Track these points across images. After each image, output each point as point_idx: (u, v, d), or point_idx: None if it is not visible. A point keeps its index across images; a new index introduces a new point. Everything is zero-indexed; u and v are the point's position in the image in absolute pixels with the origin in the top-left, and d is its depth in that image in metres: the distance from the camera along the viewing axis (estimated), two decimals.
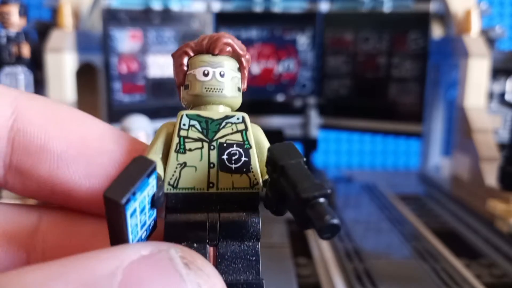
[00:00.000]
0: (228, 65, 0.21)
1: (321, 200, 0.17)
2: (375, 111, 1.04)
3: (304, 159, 0.19)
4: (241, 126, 0.20)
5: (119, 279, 0.14)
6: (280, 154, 0.19)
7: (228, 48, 0.21)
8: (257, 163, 0.20)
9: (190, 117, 0.20)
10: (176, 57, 0.21)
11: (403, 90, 1.00)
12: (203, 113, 0.20)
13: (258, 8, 1.08)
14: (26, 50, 0.79)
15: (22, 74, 0.79)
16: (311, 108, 1.03)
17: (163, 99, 1.02)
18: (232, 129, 0.20)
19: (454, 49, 0.89)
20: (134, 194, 0.16)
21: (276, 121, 1.06)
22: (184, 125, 0.20)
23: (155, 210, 0.19)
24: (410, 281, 0.56)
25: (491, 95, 0.87)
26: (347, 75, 1.07)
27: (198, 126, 0.20)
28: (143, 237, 0.18)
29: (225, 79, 0.21)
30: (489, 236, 0.71)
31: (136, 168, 0.17)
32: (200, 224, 0.19)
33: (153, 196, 0.18)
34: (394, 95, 1.01)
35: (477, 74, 0.83)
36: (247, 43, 1.06)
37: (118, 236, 0.17)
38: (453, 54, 0.89)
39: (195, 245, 0.19)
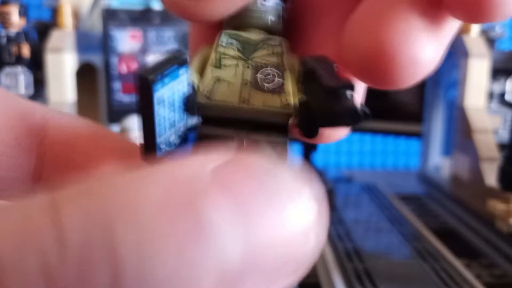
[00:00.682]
0: None
1: (348, 92, 0.17)
2: (375, 111, 1.04)
3: (336, 65, 0.19)
4: (278, 49, 0.20)
5: (209, 179, 0.12)
6: (312, 61, 0.19)
7: None
8: (290, 86, 0.20)
9: (229, 35, 0.20)
10: None
11: (403, 90, 1.00)
12: (242, 33, 0.21)
13: None
14: (26, 50, 0.79)
15: (22, 74, 0.79)
16: None
17: None
18: (270, 51, 0.20)
19: (454, 49, 0.89)
20: (162, 77, 0.16)
21: None
22: (222, 42, 0.20)
23: (186, 117, 0.19)
24: (410, 281, 0.56)
25: (491, 95, 0.87)
26: None
27: (236, 45, 0.20)
28: (172, 140, 0.18)
29: (267, 3, 0.21)
30: (489, 236, 0.71)
31: (167, 58, 0.17)
32: (228, 140, 0.19)
33: (185, 97, 0.18)
34: (394, 95, 1.01)
35: (477, 74, 0.83)
36: None
37: (146, 122, 0.17)
38: (453, 54, 0.89)
39: None
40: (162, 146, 0.18)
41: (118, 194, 0.12)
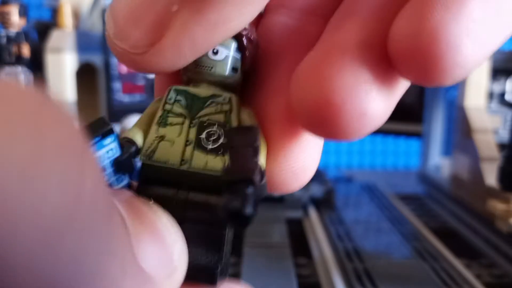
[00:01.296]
0: (224, 43, 0.20)
1: (249, 190, 0.16)
2: None
3: (256, 142, 0.18)
4: (226, 107, 0.20)
5: None
6: (233, 134, 0.19)
7: None
8: None
9: (177, 91, 0.20)
10: None
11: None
12: (191, 89, 0.20)
13: None
14: (26, 50, 0.79)
15: (22, 74, 0.79)
16: None
17: None
18: (216, 109, 0.20)
19: None
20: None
21: None
22: (170, 99, 0.20)
23: (125, 176, 0.19)
24: (410, 281, 0.56)
25: (491, 95, 0.87)
26: None
27: (183, 102, 0.20)
28: None
29: (217, 57, 0.20)
30: (489, 236, 0.71)
31: (92, 127, 0.17)
32: (168, 200, 0.19)
33: (116, 160, 0.18)
34: None
35: (477, 74, 0.83)
36: None
37: None
38: None
39: None
40: None
41: None
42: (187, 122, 0.19)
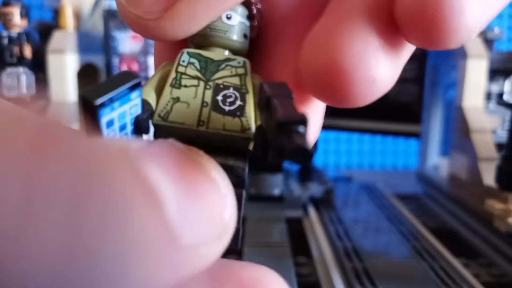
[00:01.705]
0: (236, 10, 0.20)
1: (300, 128, 0.15)
2: (374, 111, 1.04)
3: (293, 95, 0.18)
4: (241, 70, 0.20)
5: (131, 154, 0.13)
6: (268, 88, 0.18)
7: None
8: (252, 110, 0.19)
9: (190, 54, 0.20)
10: None
11: (401, 90, 1.01)
12: (204, 52, 0.20)
13: None
14: (28, 51, 0.80)
15: (23, 75, 0.79)
16: None
17: None
18: (232, 72, 0.20)
19: (453, 50, 0.89)
20: (111, 101, 0.15)
21: None
22: (183, 61, 0.20)
23: (140, 136, 0.18)
24: (409, 280, 0.56)
25: (489, 96, 0.88)
26: None
27: (197, 64, 0.20)
28: None
29: (231, 21, 0.20)
30: (487, 235, 0.71)
31: (119, 79, 0.16)
32: None
33: (136, 117, 0.17)
34: (392, 96, 1.02)
35: (475, 74, 0.84)
36: None
37: None
38: (451, 55, 0.90)
39: None
40: None
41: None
42: (202, 84, 0.19)
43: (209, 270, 0.14)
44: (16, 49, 0.79)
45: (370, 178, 1.07)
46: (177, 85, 0.19)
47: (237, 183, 0.19)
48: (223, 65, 0.20)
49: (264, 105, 0.18)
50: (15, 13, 0.79)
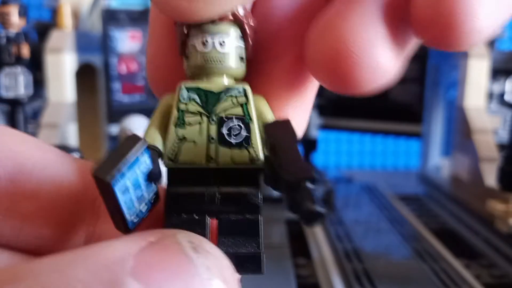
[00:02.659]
0: (228, 33, 0.20)
1: (308, 185, 0.16)
2: (375, 111, 1.04)
3: (298, 137, 0.19)
4: (242, 99, 0.20)
5: (131, 264, 0.14)
6: (273, 132, 0.18)
7: (230, 16, 0.20)
8: (258, 137, 0.20)
9: (189, 89, 0.20)
10: (177, 26, 0.20)
11: (403, 90, 1.00)
12: (202, 85, 0.20)
13: None
14: (25, 51, 0.79)
15: (21, 74, 0.79)
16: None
17: None
18: (233, 102, 0.20)
19: None
20: (121, 172, 0.16)
21: None
22: (183, 98, 0.20)
23: (155, 185, 0.19)
24: (409, 281, 0.56)
25: (490, 96, 0.87)
26: None
27: (197, 100, 0.20)
28: (143, 210, 0.18)
29: (225, 49, 0.20)
30: (488, 236, 0.71)
31: (126, 147, 0.17)
32: (200, 196, 0.19)
33: (149, 172, 0.18)
34: (394, 96, 1.01)
35: (477, 74, 0.83)
36: None
37: (113, 210, 0.17)
38: (452, 55, 0.89)
39: (195, 216, 0.19)
40: (134, 220, 0.18)
41: (44, 277, 0.13)
42: (205, 119, 0.19)
43: None
44: (14, 49, 0.79)
45: (370, 179, 1.07)
46: (181, 124, 0.19)
47: (252, 210, 0.19)
48: (224, 96, 0.20)
49: (270, 150, 0.18)
50: (13, 12, 0.78)
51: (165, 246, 0.16)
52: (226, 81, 0.20)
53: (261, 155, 0.20)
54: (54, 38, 0.82)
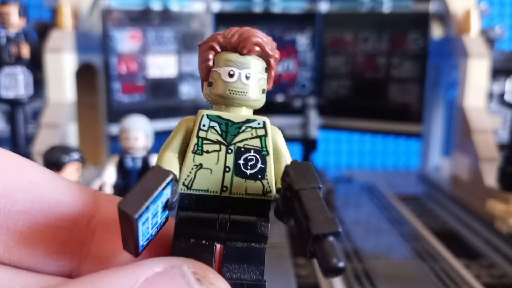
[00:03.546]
0: (255, 66, 0.20)
1: (330, 238, 0.17)
2: (375, 112, 1.04)
3: (321, 185, 0.19)
4: (261, 132, 0.20)
5: None
6: (297, 176, 0.19)
7: (257, 48, 0.20)
8: (273, 171, 0.20)
9: (210, 118, 0.20)
10: (202, 51, 0.21)
11: (402, 90, 1.00)
12: (224, 114, 0.20)
13: (257, 8, 1.09)
14: (25, 50, 0.79)
15: (21, 74, 0.79)
16: (311, 108, 1.03)
17: (163, 99, 1.03)
18: (252, 134, 0.20)
19: (454, 50, 0.89)
20: (147, 207, 0.17)
21: (276, 121, 1.05)
22: (204, 125, 0.20)
23: (167, 212, 0.19)
24: (409, 281, 0.56)
25: (490, 96, 0.87)
26: (347, 76, 1.07)
27: (217, 128, 0.20)
28: (153, 233, 0.18)
29: (250, 81, 0.20)
30: (488, 236, 0.71)
31: (153, 180, 0.17)
32: (210, 222, 0.20)
33: (167, 201, 0.18)
34: (393, 96, 1.01)
35: (477, 74, 0.83)
36: None
37: (128, 238, 0.17)
38: (452, 55, 0.89)
39: (203, 241, 0.19)
40: (144, 244, 0.18)
41: None
42: (223, 148, 0.20)
43: None
44: (14, 49, 0.79)
45: (371, 179, 1.07)
46: (199, 151, 0.20)
47: (259, 239, 0.20)
48: (243, 127, 0.20)
49: (292, 195, 0.18)
50: (13, 12, 0.78)
51: (170, 278, 0.16)
52: (245, 111, 0.21)
53: (274, 188, 0.20)
54: (54, 38, 0.82)
